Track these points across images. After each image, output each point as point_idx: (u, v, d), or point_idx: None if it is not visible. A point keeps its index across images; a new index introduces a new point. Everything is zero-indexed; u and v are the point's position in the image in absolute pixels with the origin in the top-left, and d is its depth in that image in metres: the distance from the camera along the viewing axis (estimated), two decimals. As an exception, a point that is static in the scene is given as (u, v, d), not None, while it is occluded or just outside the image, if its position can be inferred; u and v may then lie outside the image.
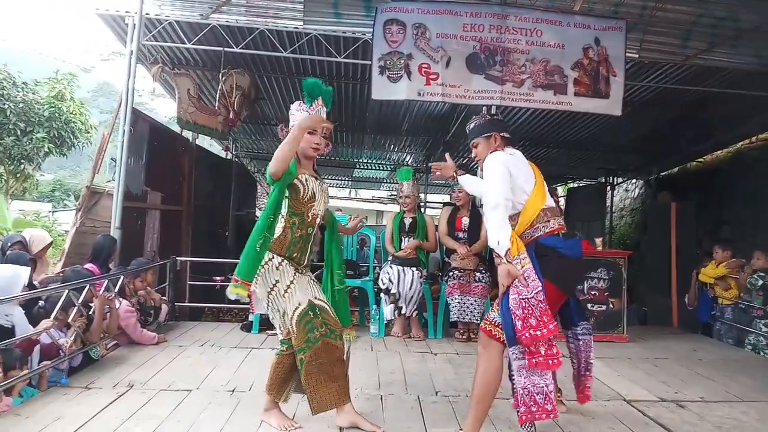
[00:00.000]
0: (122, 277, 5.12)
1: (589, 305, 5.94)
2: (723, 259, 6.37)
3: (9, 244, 4.59)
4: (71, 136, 14.31)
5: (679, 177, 11.88)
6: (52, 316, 4.02)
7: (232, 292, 2.94)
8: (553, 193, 3.02)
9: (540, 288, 2.83)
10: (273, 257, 3.09)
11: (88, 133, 15.06)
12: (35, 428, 3.12)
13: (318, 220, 3.25)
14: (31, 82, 14.16)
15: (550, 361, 2.81)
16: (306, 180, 3.14)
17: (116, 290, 4.91)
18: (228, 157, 11.47)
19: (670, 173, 12.32)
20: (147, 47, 7.02)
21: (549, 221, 3.02)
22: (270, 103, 9.65)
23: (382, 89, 6.47)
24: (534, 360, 2.80)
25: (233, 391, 3.87)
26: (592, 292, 5.96)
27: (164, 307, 5.79)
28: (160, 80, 7.56)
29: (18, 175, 14.32)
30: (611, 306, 5.98)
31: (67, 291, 4.19)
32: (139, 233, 7.19)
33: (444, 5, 6.63)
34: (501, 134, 3.19)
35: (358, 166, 16.18)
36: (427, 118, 9.77)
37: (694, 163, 11.50)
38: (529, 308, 2.80)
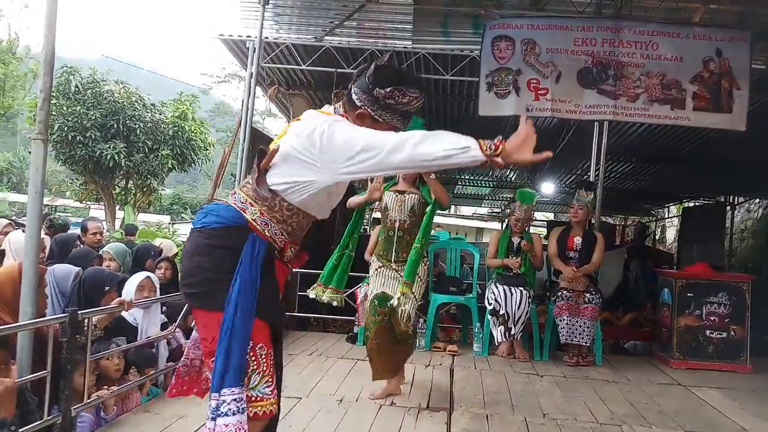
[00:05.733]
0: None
1: (707, 332, 5.59)
2: None
3: (152, 252, 5.05)
4: (192, 153, 15.34)
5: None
6: (178, 320, 4.34)
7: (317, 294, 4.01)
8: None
9: None
10: (373, 257, 4.22)
11: (207, 150, 16.06)
12: (163, 425, 3.36)
13: (396, 224, 4.08)
14: (158, 104, 15.34)
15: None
16: (385, 195, 4.12)
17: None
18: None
19: (801, 193, 11.38)
20: (265, 69, 7.44)
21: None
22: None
23: (489, 106, 6.47)
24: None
25: (341, 400, 3.98)
26: (712, 318, 5.60)
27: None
28: (276, 101, 7.99)
29: (144, 190, 15.53)
30: (733, 333, 5.58)
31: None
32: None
33: (554, 20, 6.55)
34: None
35: (459, 183, 16.15)
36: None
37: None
38: None
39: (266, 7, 6.93)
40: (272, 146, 2.10)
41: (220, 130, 29.21)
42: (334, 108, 2.23)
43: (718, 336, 5.59)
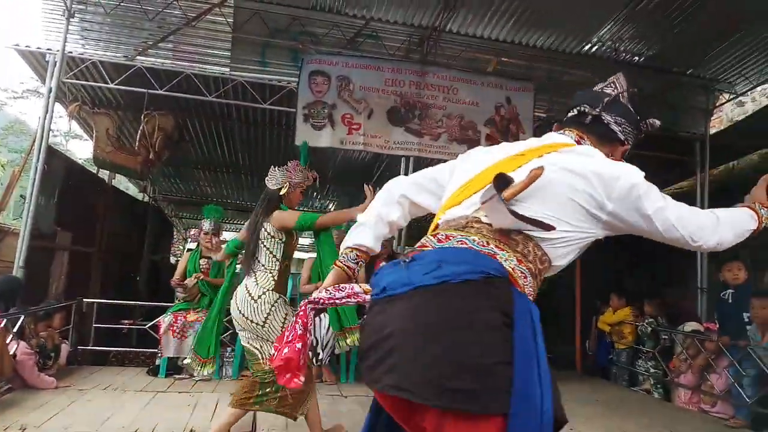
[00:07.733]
0: (22, 318, 4.90)
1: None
2: (618, 306, 6.86)
3: None
4: (-27, 175, 13.61)
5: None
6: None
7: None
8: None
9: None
10: (279, 296, 3.53)
11: (-5, 171, 14.37)
12: None
13: None
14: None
15: None
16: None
17: (14, 330, 4.69)
18: (145, 200, 11.21)
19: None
20: (67, 85, 6.89)
21: (425, 239, 1.61)
22: (193, 145, 9.59)
23: (306, 136, 6.62)
24: None
25: (135, 432, 3.76)
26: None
27: (64, 347, 5.51)
28: (78, 118, 7.43)
29: None
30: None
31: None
32: (45, 274, 6.88)
33: (367, 60, 6.95)
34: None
35: (278, 213, 16.15)
36: (350, 166, 9.98)
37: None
38: None
39: (71, 20, 6.51)
40: (517, 171, 1.51)
41: (13, 150, 26.11)
42: (576, 140, 1.68)
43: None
